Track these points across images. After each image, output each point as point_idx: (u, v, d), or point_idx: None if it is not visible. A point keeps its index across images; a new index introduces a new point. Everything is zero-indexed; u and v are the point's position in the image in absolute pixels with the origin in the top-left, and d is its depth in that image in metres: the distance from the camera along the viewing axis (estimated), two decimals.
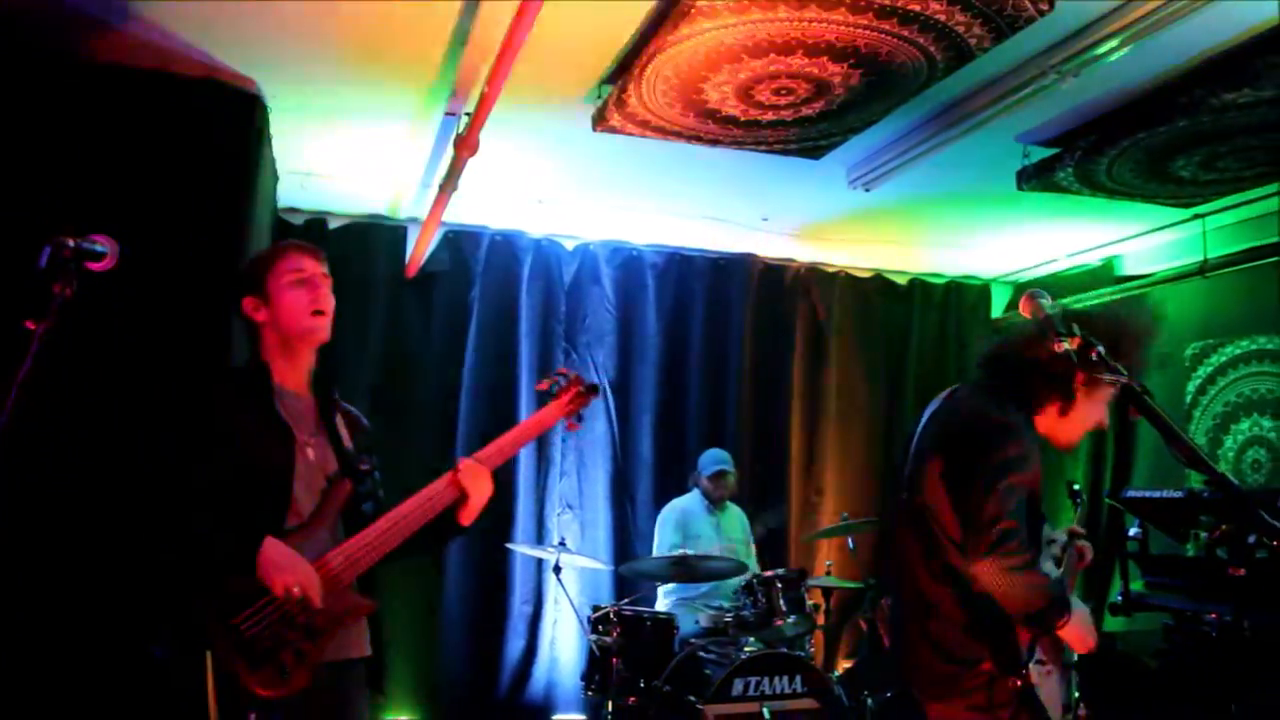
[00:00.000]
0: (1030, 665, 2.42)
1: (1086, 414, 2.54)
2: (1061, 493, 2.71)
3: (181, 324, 3.69)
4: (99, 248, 1.79)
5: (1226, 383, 5.73)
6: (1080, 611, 2.44)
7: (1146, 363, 2.47)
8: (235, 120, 4.00)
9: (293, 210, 5.73)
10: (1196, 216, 5.48)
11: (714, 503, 5.66)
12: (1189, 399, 5.92)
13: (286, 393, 2.67)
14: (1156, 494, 4.52)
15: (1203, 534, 4.45)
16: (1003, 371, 2.57)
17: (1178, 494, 4.41)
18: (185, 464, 2.42)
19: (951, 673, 2.45)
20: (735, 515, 5.82)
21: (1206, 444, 5.77)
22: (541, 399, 3.09)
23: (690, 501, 5.74)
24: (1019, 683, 2.37)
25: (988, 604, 2.38)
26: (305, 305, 2.68)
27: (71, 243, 1.79)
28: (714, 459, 5.68)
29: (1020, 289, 6.98)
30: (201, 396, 2.55)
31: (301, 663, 2.36)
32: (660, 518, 5.74)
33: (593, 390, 3.10)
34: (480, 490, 2.79)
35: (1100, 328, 2.27)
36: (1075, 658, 2.51)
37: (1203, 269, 5.63)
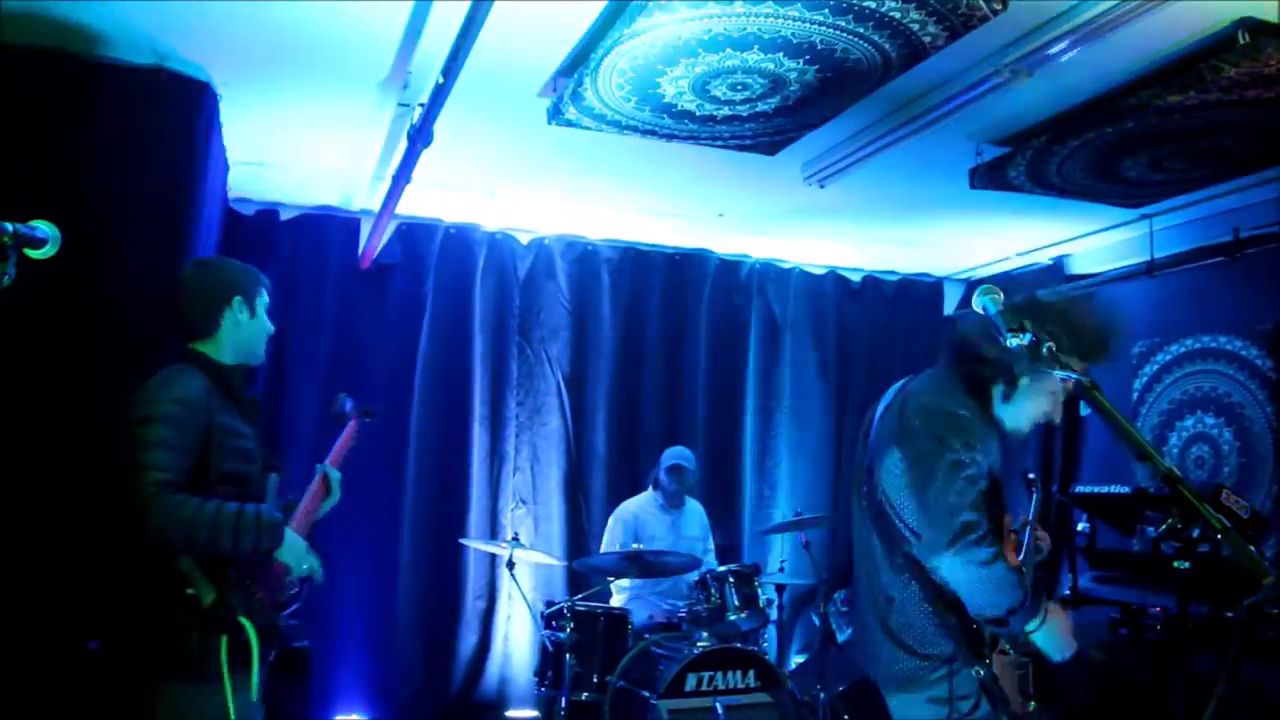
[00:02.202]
0: (993, 655, 2.43)
1: (1032, 403, 2.56)
2: (1018, 484, 2.72)
3: (125, 314, 3.62)
4: (39, 233, 1.74)
5: (1172, 380, 5.83)
6: (1061, 618, 2.43)
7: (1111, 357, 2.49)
8: (183, 108, 3.93)
9: (243, 200, 5.65)
10: (1144, 217, 5.57)
11: (670, 499, 5.65)
12: (1135, 396, 6.01)
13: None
14: (1104, 490, 4.59)
15: (1149, 529, 4.54)
16: (954, 363, 2.58)
17: (1125, 490, 4.48)
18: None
19: (913, 666, 2.46)
20: (694, 512, 5.81)
21: (1152, 441, 5.86)
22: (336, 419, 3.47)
23: (644, 503, 5.71)
24: (982, 673, 2.37)
25: (950, 595, 2.40)
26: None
27: (10, 228, 1.74)
28: (673, 454, 5.67)
29: (973, 286, 7.06)
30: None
31: (276, 632, 2.71)
32: (610, 520, 5.72)
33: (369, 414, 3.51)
34: (338, 490, 3.13)
35: (1060, 319, 2.29)
36: (1034, 647, 2.50)
37: (1149, 268, 5.72)
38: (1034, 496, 2.65)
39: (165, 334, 3.69)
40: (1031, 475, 2.67)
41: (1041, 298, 2.58)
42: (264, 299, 2.98)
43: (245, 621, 2.55)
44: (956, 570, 2.32)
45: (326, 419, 5.12)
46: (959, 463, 2.34)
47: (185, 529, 2.47)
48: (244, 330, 2.89)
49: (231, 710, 2.50)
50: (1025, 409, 2.57)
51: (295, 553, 2.75)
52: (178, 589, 2.53)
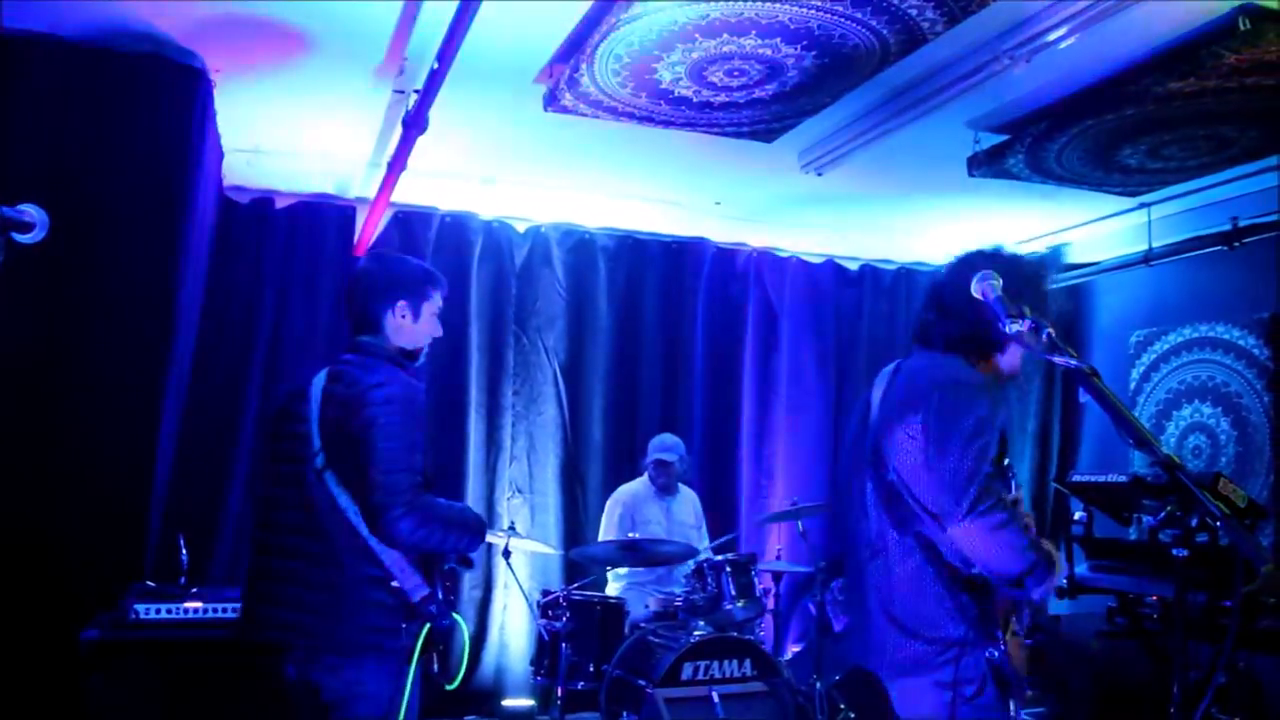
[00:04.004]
0: (1007, 637, 2.41)
1: (1017, 350, 2.55)
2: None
3: (119, 301, 3.61)
4: (27, 217, 1.72)
5: (1169, 369, 5.83)
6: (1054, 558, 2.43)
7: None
8: (177, 95, 3.91)
9: (238, 188, 5.62)
10: (1142, 205, 5.56)
11: (661, 488, 5.65)
12: (1133, 386, 6.01)
13: None
14: (1101, 478, 4.57)
15: (1145, 517, 4.52)
16: (948, 342, 2.56)
17: (1122, 478, 4.47)
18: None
19: (920, 651, 2.44)
20: (687, 499, 5.81)
21: (1150, 430, 5.86)
22: None
23: (639, 488, 5.71)
24: (995, 655, 2.36)
25: (962, 575, 2.38)
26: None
27: None
28: (657, 446, 5.64)
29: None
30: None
31: None
32: (608, 505, 5.72)
33: None
34: None
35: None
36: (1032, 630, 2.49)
37: (1147, 257, 5.71)
38: (1011, 482, 2.63)
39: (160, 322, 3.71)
40: (1006, 462, 2.65)
41: (1016, 259, 2.59)
42: (435, 303, 2.93)
43: (457, 616, 2.71)
44: (972, 537, 2.29)
45: None
46: (973, 433, 2.32)
47: (442, 528, 2.59)
48: (405, 333, 2.87)
49: (408, 694, 2.59)
50: (1017, 352, 2.56)
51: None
52: (383, 577, 2.60)
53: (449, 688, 2.78)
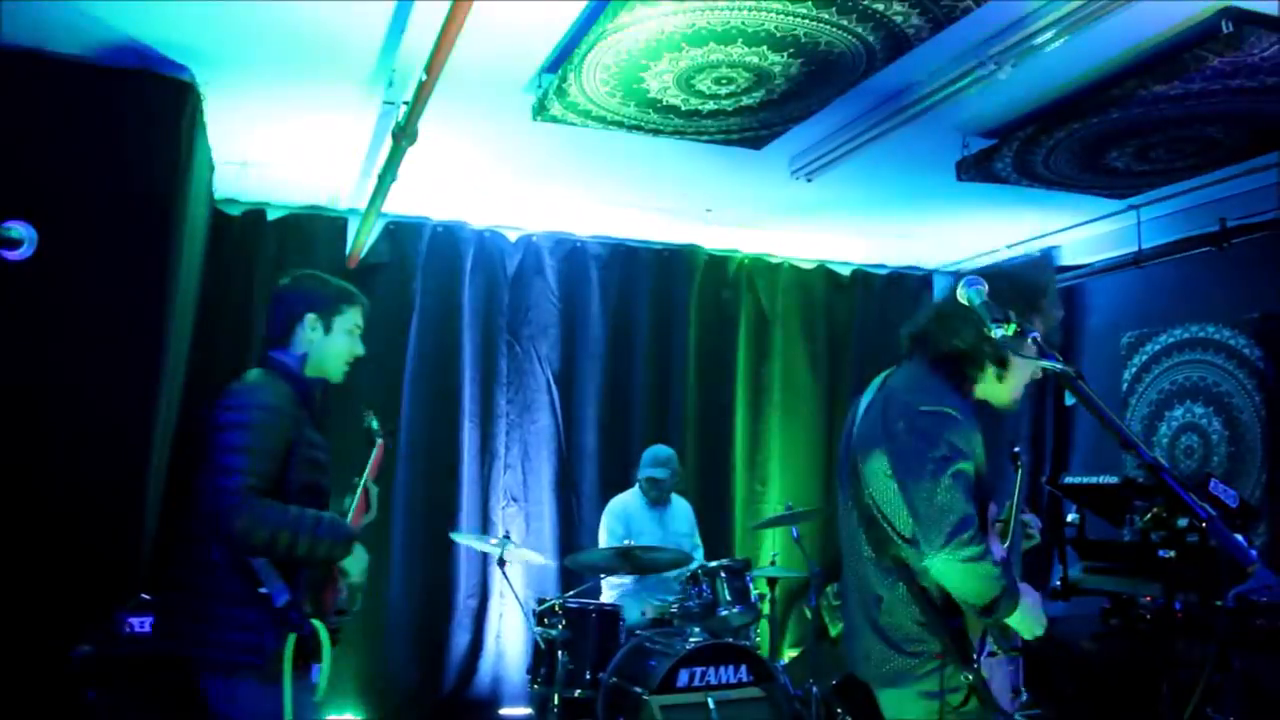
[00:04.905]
0: (980, 658, 2.42)
1: (1023, 371, 2.55)
2: (1006, 464, 2.72)
3: (109, 315, 3.61)
4: (14, 233, 1.73)
5: (1160, 370, 5.85)
6: (1030, 599, 2.45)
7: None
8: (167, 109, 3.91)
9: (230, 201, 5.63)
10: (1131, 208, 5.58)
11: (653, 501, 5.64)
12: (1125, 387, 6.03)
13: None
14: (1093, 480, 4.60)
15: (1138, 519, 4.54)
16: (933, 358, 2.57)
17: (1114, 480, 4.49)
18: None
19: (903, 664, 2.45)
20: (681, 509, 5.81)
21: (1142, 431, 5.88)
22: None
23: (632, 499, 5.70)
24: (969, 678, 2.37)
25: (937, 597, 2.39)
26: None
27: None
28: (650, 460, 5.63)
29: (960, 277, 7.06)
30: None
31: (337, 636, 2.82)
32: (604, 518, 5.70)
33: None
34: (375, 507, 3.18)
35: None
36: (1020, 643, 2.51)
37: (1137, 259, 5.73)
38: (1019, 476, 2.64)
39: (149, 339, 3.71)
40: (1017, 449, 2.65)
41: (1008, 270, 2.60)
42: (348, 319, 3.00)
43: (318, 623, 2.68)
44: (946, 568, 2.32)
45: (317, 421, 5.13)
46: (945, 459, 2.33)
47: (270, 531, 2.56)
48: (316, 347, 2.94)
49: (289, 709, 2.58)
50: (1018, 379, 2.56)
51: (359, 563, 2.88)
52: (251, 588, 2.61)
53: (314, 699, 2.72)
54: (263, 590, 2.60)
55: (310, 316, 2.92)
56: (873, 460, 2.50)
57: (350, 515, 3.06)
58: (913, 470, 2.37)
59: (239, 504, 2.52)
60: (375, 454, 3.39)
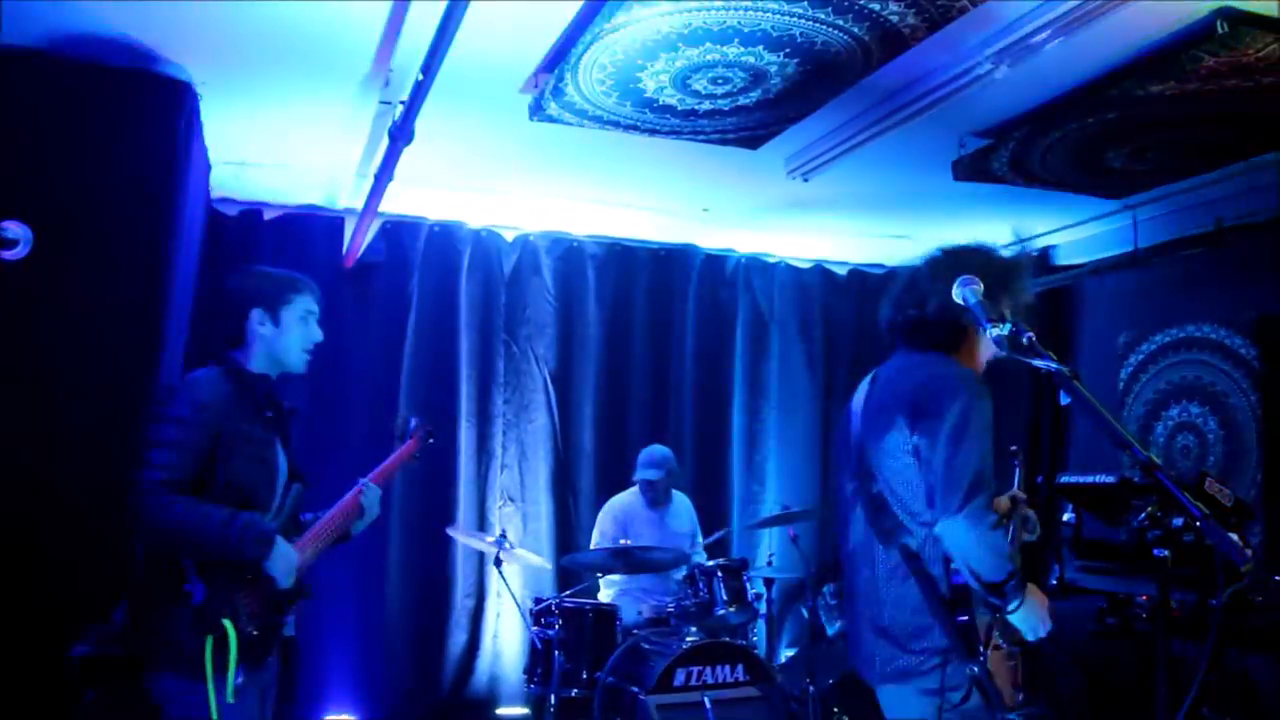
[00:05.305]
0: (987, 651, 2.42)
1: (987, 347, 2.57)
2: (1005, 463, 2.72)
3: (105, 315, 3.61)
4: (10, 233, 1.73)
5: (1157, 370, 5.85)
6: (1039, 597, 2.45)
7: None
8: (163, 109, 3.91)
9: (227, 200, 5.62)
10: (1127, 208, 5.58)
11: (650, 502, 5.63)
12: (1121, 386, 6.03)
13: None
14: (1089, 479, 4.59)
15: (1134, 518, 4.55)
16: (936, 341, 2.57)
17: (1110, 479, 4.48)
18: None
19: (905, 661, 2.45)
20: (681, 507, 5.79)
21: (1138, 431, 5.88)
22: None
23: (630, 499, 5.69)
24: (975, 670, 2.37)
25: (945, 590, 2.39)
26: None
27: None
28: (644, 462, 5.61)
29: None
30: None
31: (272, 636, 2.78)
32: (600, 516, 5.71)
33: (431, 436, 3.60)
34: (375, 508, 3.12)
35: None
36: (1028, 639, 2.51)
37: (1133, 259, 5.74)
38: (1016, 473, 2.64)
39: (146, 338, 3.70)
40: (1014, 447, 2.65)
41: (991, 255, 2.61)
42: (297, 308, 2.96)
43: (227, 623, 2.61)
44: (961, 535, 2.30)
45: (312, 421, 5.13)
46: (962, 422, 2.33)
47: (172, 528, 2.57)
48: (268, 341, 2.93)
49: (213, 710, 2.55)
50: (986, 351, 2.58)
51: (284, 565, 2.77)
52: (175, 585, 2.61)
53: (228, 701, 2.64)
54: (186, 588, 2.59)
55: (256, 312, 2.91)
56: (883, 443, 2.50)
57: (327, 515, 3.03)
58: (928, 437, 2.38)
59: (146, 499, 2.55)
60: (397, 452, 3.37)
